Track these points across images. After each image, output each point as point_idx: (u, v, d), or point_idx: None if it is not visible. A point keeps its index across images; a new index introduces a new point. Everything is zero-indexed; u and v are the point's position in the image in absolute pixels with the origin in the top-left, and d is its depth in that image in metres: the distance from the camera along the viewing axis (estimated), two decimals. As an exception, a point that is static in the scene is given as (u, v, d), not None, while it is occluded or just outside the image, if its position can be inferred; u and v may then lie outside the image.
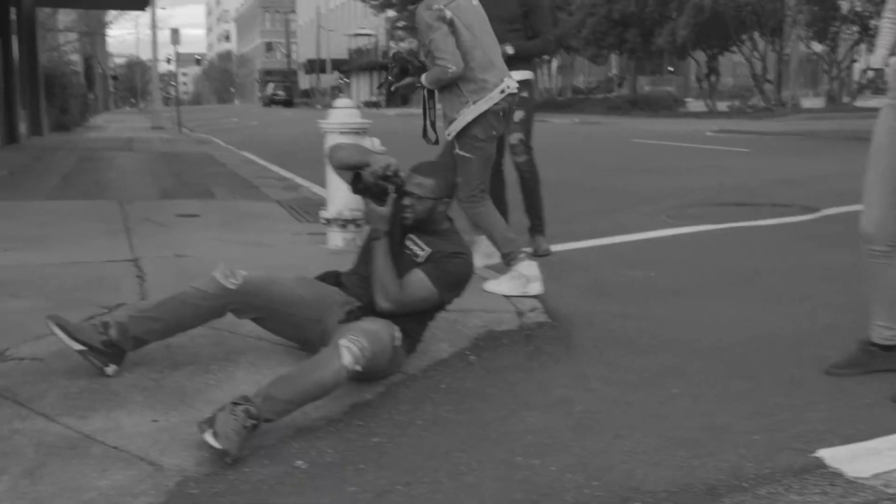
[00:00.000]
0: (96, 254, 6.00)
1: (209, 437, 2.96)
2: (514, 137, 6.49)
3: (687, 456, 3.11)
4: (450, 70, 4.93)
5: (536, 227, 6.66)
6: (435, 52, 4.96)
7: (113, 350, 3.65)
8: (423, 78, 5.08)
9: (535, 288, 5.14)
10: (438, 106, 5.25)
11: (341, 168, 4.03)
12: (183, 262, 5.81)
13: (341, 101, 6.23)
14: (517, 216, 6.76)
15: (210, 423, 3.02)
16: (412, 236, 3.88)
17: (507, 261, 5.25)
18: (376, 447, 3.23)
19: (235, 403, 3.11)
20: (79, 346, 3.62)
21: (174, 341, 4.00)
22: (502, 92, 5.09)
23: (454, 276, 3.82)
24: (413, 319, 3.83)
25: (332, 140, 6.16)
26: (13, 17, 19.97)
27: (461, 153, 5.17)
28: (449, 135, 5.23)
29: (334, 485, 2.91)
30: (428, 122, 5.27)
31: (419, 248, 3.84)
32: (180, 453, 3.09)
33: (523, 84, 6.40)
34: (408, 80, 5.18)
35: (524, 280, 5.14)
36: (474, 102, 5.05)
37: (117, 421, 3.31)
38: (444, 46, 4.91)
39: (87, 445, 3.11)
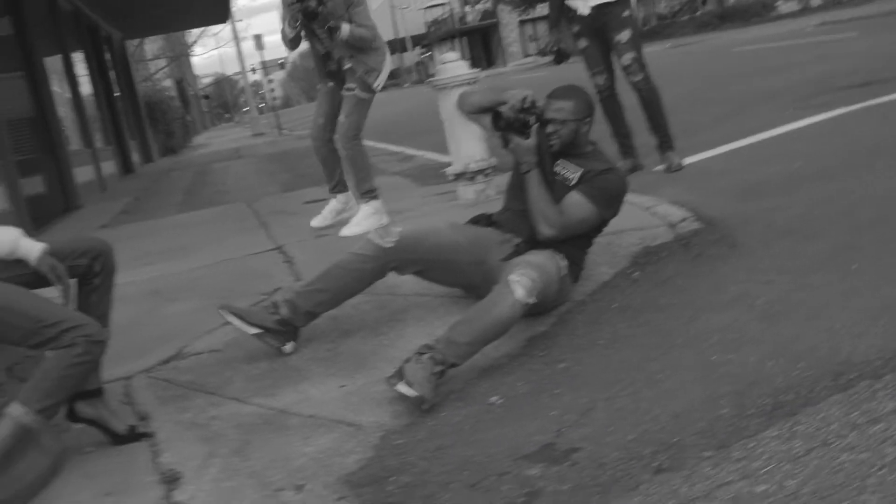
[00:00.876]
0: (240, 250, 6.10)
1: (403, 388, 2.97)
2: (627, 58, 6.40)
3: (890, 323, 2.97)
4: None
5: (664, 143, 6.51)
6: None
7: (287, 328, 3.71)
8: None
9: (384, 218, 5.82)
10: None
11: (477, 112, 3.99)
12: (324, 240, 5.86)
13: (449, 55, 6.18)
14: (643, 138, 6.63)
15: (399, 375, 3.03)
16: (560, 161, 3.83)
17: (369, 198, 5.87)
18: (565, 371, 3.19)
19: (420, 353, 3.12)
20: (255, 330, 3.68)
21: (339, 312, 4.05)
22: None
23: (609, 191, 3.75)
24: (574, 246, 3.78)
25: (446, 96, 6.14)
26: (107, 55, 20.53)
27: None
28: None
29: (536, 411, 2.88)
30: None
31: (570, 172, 3.78)
32: (375, 411, 3.11)
33: (622, 3, 6.31)
34: None
35: (379, 214, 5.85)
36: None
37: (305, 393, 3.35)
38: None
39: (284, 419, 3.16)
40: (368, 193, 5.88)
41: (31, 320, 2.74)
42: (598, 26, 6.43)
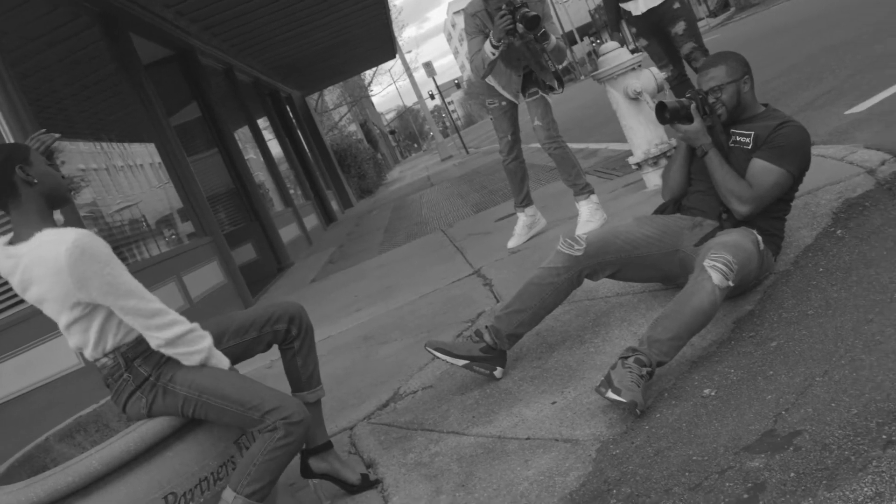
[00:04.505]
0: (440, 280, 6.21)
1: (612, 395, 2.93)
2: (686, 48, 6.57)
3: None
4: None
5: None
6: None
7: (494, 354, 3.75)
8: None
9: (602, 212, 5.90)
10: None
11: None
12: (519, 256, 5.88)
13: (606, 46, 6.09)
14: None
15: (607, 383, 2.99)
16: (734, 129, 3.71)
17: (587, 192, 5.89)
18: (777, 350, 3.06)
19: (624, 357, 3.07)
20: (463, 362, 3.74)
21: (541, 327, 4.07)
22: None
23: (791, 146, 3.57)
24: (769, 216, 3.63)
25: (612, 86, 6.06)
26: (291, 114, 21.46)
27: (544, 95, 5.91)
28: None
29: (751, 398, 2.78)
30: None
31: (744, 137, 3.65)
32: (589, 423, 3.08)
33: None
34: None
35: (599, 207, 5.88)
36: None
37: (520, 415, 3.36)
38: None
39: (502, 445, 3.18)
40: (586, 188, 5.90)
41: (237, 403, 2.88)
42: (654, 22, 6.70)
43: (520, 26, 5.35)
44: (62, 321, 2.86)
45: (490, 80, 5.99)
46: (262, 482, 2.83)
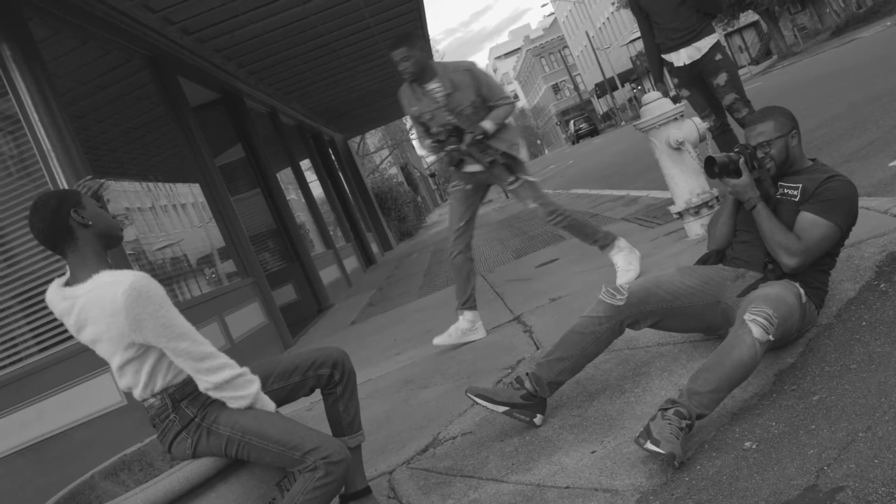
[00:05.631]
0: (480, 326, 6.23)
1: (651, 446, 2.94)
2: (728, 99, 6.60)
3: None
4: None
5: None
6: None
7: (534, 401, 3.76)
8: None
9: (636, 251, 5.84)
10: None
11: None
12: (559, 303, 5.90)
13: (649, 96, 6.13)
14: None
15: (646, 434, 2.99)
16: (781, 182, 3.74)
17: (611, 244, 5.82)
18: (820, 404, 3.05)
19: (664, 409, 3.07)
20: (503, 409, 3.76)
21: (582, 375, 4.08)
22: None
23: (839, 199, 3.58)
24: (814, 269, 3.64)
25: (654, 136, 6.09)
26: (332, 156, 21.69)
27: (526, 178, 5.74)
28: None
29: (793, 452, 2.77)
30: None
31: (792, 189, 3.67)
32: (629, 473, 3.08)
33: (713, 49, 6.66)
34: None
35: (632, 250, 5.82)
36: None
37: (560, 463, 3.37)
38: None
39: (542, 493, 3.19)
40: (608, 238, 5.83)
41: (278, 444, 2.93)
42: (695, 73, 6.74)
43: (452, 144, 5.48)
44: (115, 362, 2.92)
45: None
46: None
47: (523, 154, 5.74)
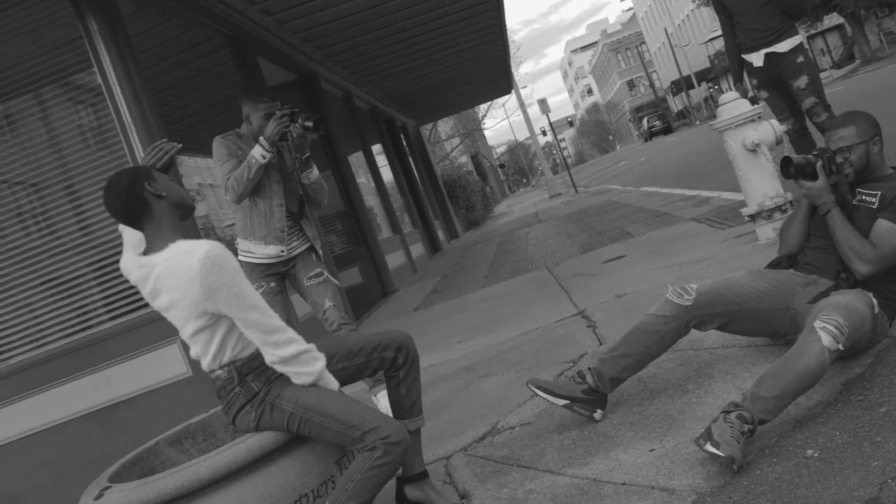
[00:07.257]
0: (544, 318, 6.24)
1: (711, 448, 2.92)
2: (808, 102, 6.49)
3: None
4: None
5: None
6: None
7: (594, 396, 3.76)
8: None
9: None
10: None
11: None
12: (625, 300, 5.87)
13: (726, 96, 6.06)
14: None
15: (707, 436, 2.97)
16: (859, 189, 3.67)
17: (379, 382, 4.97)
18: (887, 416, 3.00)
19: (727, 412, 3.05)
20: (563, 402, 3.77)
21: (644, 373, 4.06)
22: None
23: None
24: (888, 278, 3.57)
25: (730, 136, 6.02)
26: (404, 142, 21.80)
27: None
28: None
29: (856, 463, 2.73)
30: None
31: (870, 196, 3.61)
32: (687, 473, 3.07)
33: (795, 50, 6.55)
34: None
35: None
36: None
37: (617, 459, 3.36)
38: None
39: (598, 488, 3.19)
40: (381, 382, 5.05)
41: (339, 422, 2.97)
42: (775, 75, 6.64)
43: (296, 127, 4.89)
44: (188, 329, 2.99)
45: (244, 243, 5.17)
46: (358, 500, 2.89)
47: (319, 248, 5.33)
